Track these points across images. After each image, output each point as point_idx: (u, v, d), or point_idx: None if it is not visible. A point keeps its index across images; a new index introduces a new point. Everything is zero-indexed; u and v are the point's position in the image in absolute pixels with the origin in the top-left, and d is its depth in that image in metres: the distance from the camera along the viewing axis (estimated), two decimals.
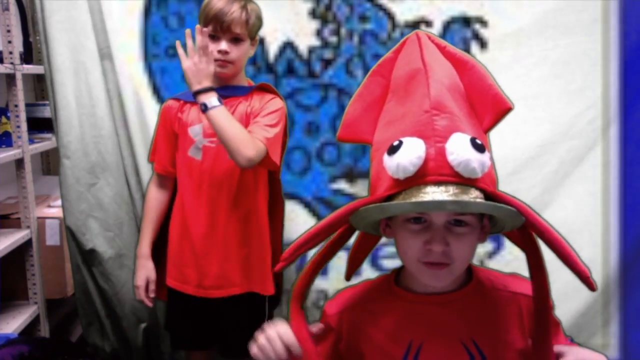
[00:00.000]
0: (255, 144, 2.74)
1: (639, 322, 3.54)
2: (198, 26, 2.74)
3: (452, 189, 1.53)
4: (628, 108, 3.47)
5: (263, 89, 3.00)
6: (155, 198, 3.11)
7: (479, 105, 1.69)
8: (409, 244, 1.65)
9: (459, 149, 1.53)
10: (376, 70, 1.82)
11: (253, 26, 2.89)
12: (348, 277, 1.99)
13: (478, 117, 1.69)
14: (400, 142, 1.57)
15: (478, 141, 1.56)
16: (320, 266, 1.86)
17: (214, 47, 2.81)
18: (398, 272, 1.86)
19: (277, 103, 2.95)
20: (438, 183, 1.53)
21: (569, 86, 3.45)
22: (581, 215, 3.48)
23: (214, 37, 2.83)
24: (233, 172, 2.89)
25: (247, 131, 2.79)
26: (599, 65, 3.47)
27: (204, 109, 2.71)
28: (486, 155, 1.57)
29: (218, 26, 2.80)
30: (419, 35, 1.75)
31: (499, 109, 1.68)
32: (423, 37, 1.75)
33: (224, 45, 2.82)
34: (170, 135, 3.01)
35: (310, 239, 1.75)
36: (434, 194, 1.53)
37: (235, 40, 2.84)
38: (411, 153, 1.54)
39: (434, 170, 1.54)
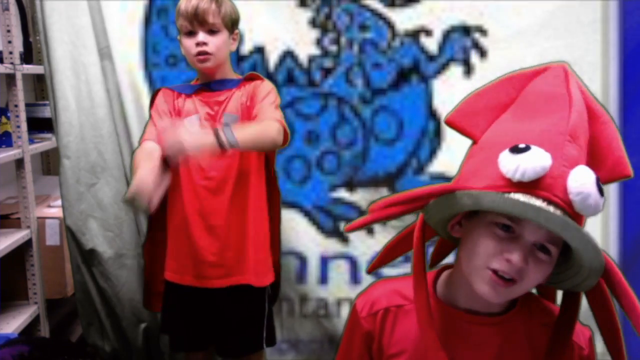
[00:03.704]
0: (274, 127, 2.78)
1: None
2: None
3: (559, 213, 1.46)
4: (628, 108, 3.48)
5: (252, 78, 3.02)
6: (151, 146, 2.84)
7: (598, 160, 1.61)
8: (487, 246, 1.56)
9: (584, 180, 1.48)
10: (510, 78, 1.74)
11: (226, 15, 2.89)
12: (370, 270, 1.95)
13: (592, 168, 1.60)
14: (528, 147, 1.51)
15: (601, 184, 1.51)
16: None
17: (191, 43, 2.85)
18: (435, 278, 1.82)
19: (268, 84, 2.99)
20: (548, 201, 1.47)
21: None
22: None
23: (191, 34, 2.86)
24: (231, 163, 2.90)
25: (255, 114, 2.87)
26: (598, 65, 3.47)
27: (234, 143, 2.63)
28: (603, 200, 1.51)
29: (192, 20, 2.83)
30: (566, 68, 1.69)
31: (618, 172, 1.63)
32: (570, 71, 1.69)
33: (201, 36, 2.84)
34: (166, 114, 2.98)
35: (401, 202, 1.65)
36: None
37: (212, 32, 2.85)
38: (537, 160, 1.47)
39: (549, 188, 1.47)
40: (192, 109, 2.95)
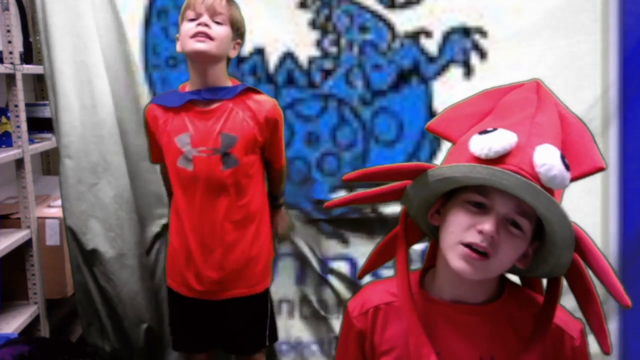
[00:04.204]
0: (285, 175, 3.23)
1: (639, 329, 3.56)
2: None
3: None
4: (627, 108, 3.48)
5: (250, 90, 2.99)
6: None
7: (573, 158, 1.68)
8: (460, 222, 1.65)
9: (546, 154, 1.57)
10: (487, 93, 1.85)
11: (234, 16, 2.88)
12: (361, 276, 2.03)
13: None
14: (495, 129, 1.62)
15: (566, 160, 1.60)
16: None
17: (192, 24, 2.80)
18: (422, 275, 1.88)
19: (280, 114, 3.00)
20: (516, 173, 1.53)
21: (568, 87, 3.44)
22: (580, 215, 3.46)
23: (194, 20, 2.82)
24: (227, 180, 2.90)
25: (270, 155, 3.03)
26: (598, 65, 3.47)
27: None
28: (569, 174, 1.60)
29: (200, 7, 2.80)
30: (539, 83, 1.79)
31: (593, 165, 1.71)
32: (543, 85, 1.79)
33: (204, 18, 2.79)
34: (155, 139, 3.03)
35: (375, 174, 1.78)
36: None
37: (217, 23, 2.82)
38: (504, 137, 1.58)
39: (515, 162, 1.57)
40: (181, 126, 2.90)
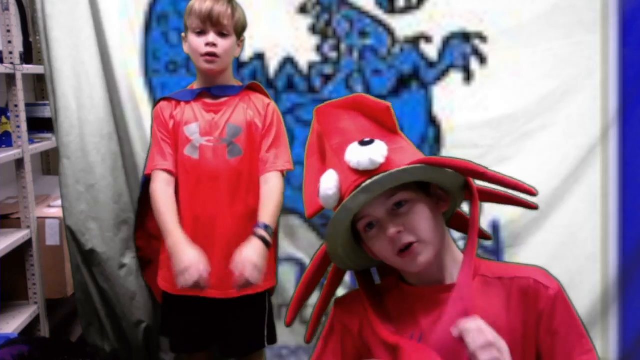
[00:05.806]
0: (281, 185, 2.98)
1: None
2: None
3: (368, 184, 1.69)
4: (628, 108, 3.48)
5: (252, 88, 3.07)
6: (166, 192, 2.94)
7: (378, 119, 1.85)
8: (377, 247, 1.79)
9: (352, 155, 1.73)
10: (307, 153, 2.04)
11: (238, 21, 2.94)
12: (290, 322, 1.99)
13: (383, 127, 1.85)
14: (318, 181, 1.82)
15: (365, 139, 1.75)
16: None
17: (201, 42, 2.87)
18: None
19: (274, 109, 3.05)
20: (355, 189, 1.68)
21: (567, 89, 3.45)
22: (581, 216, 3.51)
23: (201, 33, 2.88)
24: (231, 170, 2.93)
25: (267, 157, 2.98)
26: (598, 66, 3.47)
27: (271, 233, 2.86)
28: (377, 144, 1.73)
29: (205, 21, 2.86)
30: (317, 113, 1.97)
31: (381, 109, 1.84)
32: (318, 112, 1.97)
33: (211, 37, 2.86)
34: (169, 135, 3.01)
35: (304, 292, 1.94)
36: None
37: (222, 35, 2.89)
38: (327, 184, 1.78)
39: (347, 184, 1.73)
40: (191, 116, 2.96)
